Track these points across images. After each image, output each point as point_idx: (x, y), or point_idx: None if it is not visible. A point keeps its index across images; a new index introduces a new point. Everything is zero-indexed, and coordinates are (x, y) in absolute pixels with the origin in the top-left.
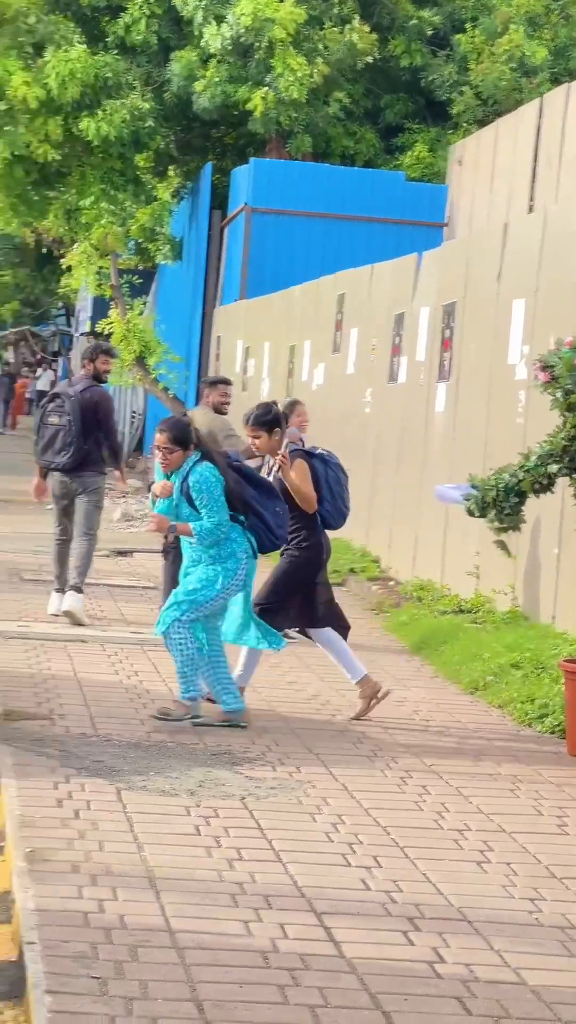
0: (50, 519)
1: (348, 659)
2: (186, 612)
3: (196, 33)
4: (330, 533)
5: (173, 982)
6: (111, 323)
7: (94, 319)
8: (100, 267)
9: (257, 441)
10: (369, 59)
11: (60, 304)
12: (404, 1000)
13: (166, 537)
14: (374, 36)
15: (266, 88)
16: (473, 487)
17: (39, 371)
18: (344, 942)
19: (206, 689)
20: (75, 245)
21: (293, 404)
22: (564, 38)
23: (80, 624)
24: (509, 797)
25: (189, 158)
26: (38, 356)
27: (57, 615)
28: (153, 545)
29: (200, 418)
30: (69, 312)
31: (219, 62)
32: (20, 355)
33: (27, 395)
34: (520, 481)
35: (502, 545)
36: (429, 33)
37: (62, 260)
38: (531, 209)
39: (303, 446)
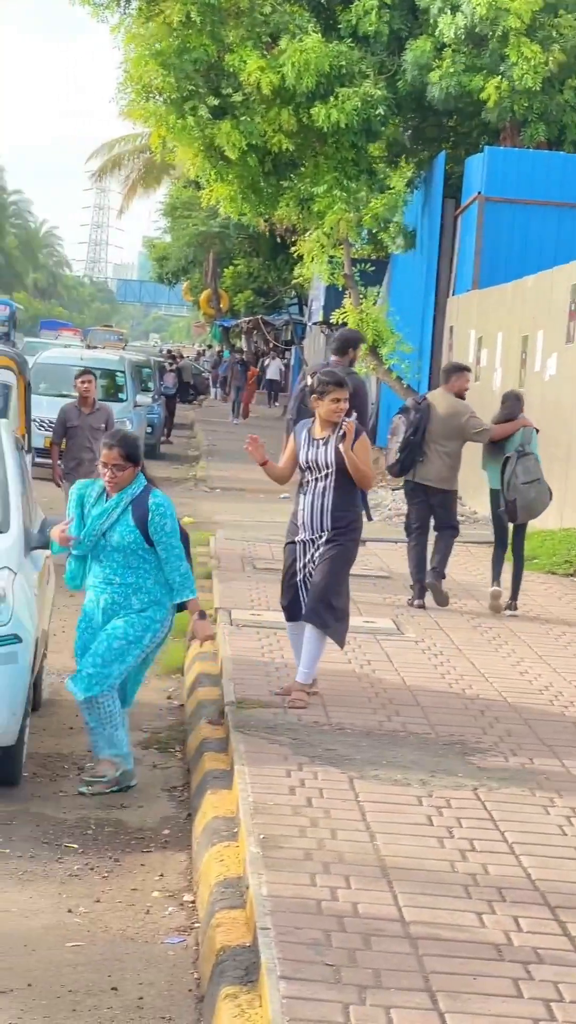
0: (285, 508)
1: (316, 662)
2: (116, 679)
3: (431, 22)
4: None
5: (406, 972)
6: (345, 312)
7: (327, 308)
8: (332, 256)
9: (345, 404)
10: None
11: (293, 293)
12: None
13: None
14: None
15: (500, 77)
16: None
17: (267, 360)
18: None
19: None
20: (307, 234)
21: (453, 370)
22: None
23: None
24: None
25: (422, 147)
26: (271, 345)
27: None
28: (386, 535)
29: (442, 401)
30: (302, 301)
31: (453, 51)
32: (253, 343)
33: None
34: None
35: None
36: None
37: (294, 249)
38: None
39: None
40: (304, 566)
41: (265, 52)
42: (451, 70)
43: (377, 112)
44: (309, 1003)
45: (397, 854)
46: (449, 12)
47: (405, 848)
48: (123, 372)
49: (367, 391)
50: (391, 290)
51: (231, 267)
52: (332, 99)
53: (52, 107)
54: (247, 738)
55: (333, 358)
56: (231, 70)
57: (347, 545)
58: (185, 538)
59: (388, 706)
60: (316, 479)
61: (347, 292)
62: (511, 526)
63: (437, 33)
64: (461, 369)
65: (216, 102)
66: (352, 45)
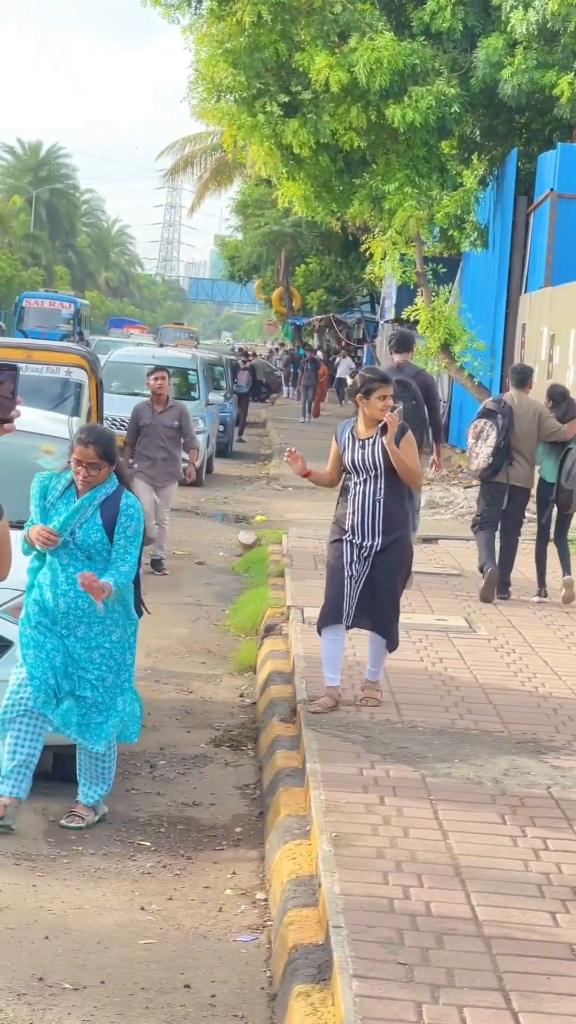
0: None
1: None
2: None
3: (503, 19)
4: None
5: (479, 971)
6: (416, 310)
7: (399, 306)
8: (403, 254)
9: (391, 401)
10: None
11: (365, 291)
12: None
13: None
14: None
15: (573, 73)
16: None
17: (337, 358)
18: None
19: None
20: (378, 231)
21: (529, 372)
22: None
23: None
24: None
25: (494, 144)
26: (343, 344)
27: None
28: (458, 532)
29: (521, 403)
30: (374, 299)
31: (525, 48)
32: (325, 341)
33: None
34: None
35: None
36: None
37: (365, 247)
38: None
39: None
40: (351, 565)
41: (335, 50)
42: (523, 67)
43: (452, 110)
44: (382, 1002)
45: (470, 853)
46: (521, 8)
47: (478, 847)
48: (195, 370)
49: (436, 389)
50: (463, 288)
51: (303, 265)
52: (406, 98)
53: (125, 108)
54: (319, 736)
55: (398, 356)
56: (300, 68)
57: (404, 550)
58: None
59: (460, 704)
60: (364, 480)
61: (419, 290)
62: (555, 515)
63: (509, 29)
64: (532, 371)
65: (286, 99)
66: (425, 43)
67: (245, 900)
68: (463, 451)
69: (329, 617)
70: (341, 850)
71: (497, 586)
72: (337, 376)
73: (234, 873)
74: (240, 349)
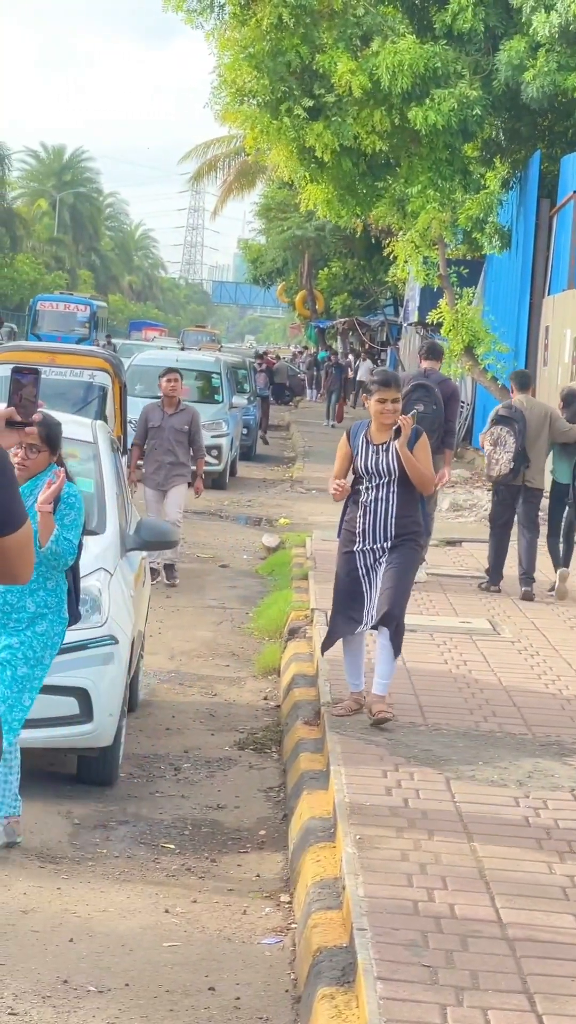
0: None
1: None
2: (28, 711)
3: (525, 21)
4: None
5: (504, 974)
6: (440, 313)
7: (422, 309)
8: (427, 257)
9: (397, 404)
10: None
11: (388, 294)
12: None
13: None
14: None
15: None
16: None
17: (356, 361)
18: None
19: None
20: (400, 233)
21: (531, 376)
22: None
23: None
24: None
25: (517, 147)
26: (366, 347)
27: None
28: (482, 535)
29: (531, 406)
30: (397, 302)
31: (547, 51)
32: (348, 344)
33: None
34: None
35: None
36: None
37: (388, 250)
38: None
39: None
40: (367, 577)
41: (357, 54)
42: (545, 69)
43: (474, 113)
44: (406, 1004)
45: (494, 855)
46: (543, 10)
47: (502, 849)
48: (219, 374)
49: (458, 397)
50: (486, 290)
51: (326, 268)
52: (428, 100)
53: (149, 111)
54: (343, 739)
55: (426, 363)
56: (322, 71)
57: (414, 550)
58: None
59: (484, 707)
60: (376, 486)
61: (443, 292)
62: (567, 514)
63: (531, 32)
64: (531, 375)
65: (310, 103)
66: (447, 46)
67: (269, 903)
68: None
69: (337, 632)
70: (365, 853)
71: (526, 584)
72: (356, 379)
73: (258, 876)
74: (256, 352)
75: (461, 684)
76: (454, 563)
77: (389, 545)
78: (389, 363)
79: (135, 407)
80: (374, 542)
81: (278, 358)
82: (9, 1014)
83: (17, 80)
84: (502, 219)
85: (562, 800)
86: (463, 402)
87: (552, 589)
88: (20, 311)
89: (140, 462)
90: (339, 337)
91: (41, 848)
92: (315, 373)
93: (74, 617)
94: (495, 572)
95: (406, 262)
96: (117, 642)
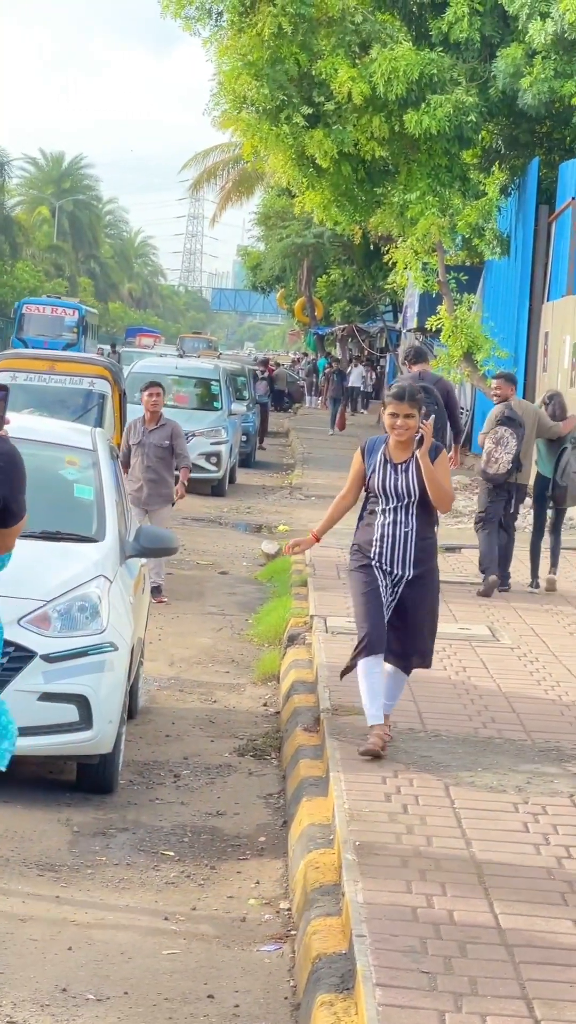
0: None
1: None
2: None
3: (521, 29)
4: None
5: (502, 979)
6: (439, 319)
7: (421, 316)
8: (426, 263)
9: (411, 420)
10: None
11: (387, 300)
12: None
13: None
14: None
15: None
16: None
17: (350, 367)
18: None
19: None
20: (399, 240)
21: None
22: None
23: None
24: None
25: (515, 154)
26: (366, 353)
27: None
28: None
29: (520, 407)
30: (396, 309)
31: (544, 58)
32: (348, 351)
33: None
34: None
35: None
36: None
37: (387, 256)
38: None
39: None
40: (385, 592)
41: (356, 61)
42: (542, 76)
43: (469, 119)
44: (405, 1010)
45: (493, 861)
46: (539, 18)
47: (501, 855)
48: (218, 381)
49: (455, 395)
50: (485, 296)
51: (325, 275)
52: (424, 106)
53: (149, 118)
54: (343, 745)
55: (415, 367)
56: (322, 78)
57: (436, 581)
58: None
59: (483, 713)
60: (394, 508)
61: (442, 298)
62: (551, 511)
63: (527, 39)
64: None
65: (310, 111)
66: (443, 53)
67: (269, 910)
68: None
69: (371, 646)
70: (364, 859)
71: (499, 578)
72: (349, 385)
73: (258, 883)
74: (257, 359)
75: (460, 690)
76: (453, 569)
77: (410, 575)
78: (388, 369)
79: (134, 414)
80: (392, 567)
81: (278, 365)
82: (8, 1022)
83: (17, 86)
84: (501, 225)
85: (561, 806)
86: (463, 408)
87: (533, 585)
88: None
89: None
90: (338, 344)
91: (40, 856)
92: (314, 380)
93: None
94: (492, 565)
95: (405, 268)
96: (117, 649)
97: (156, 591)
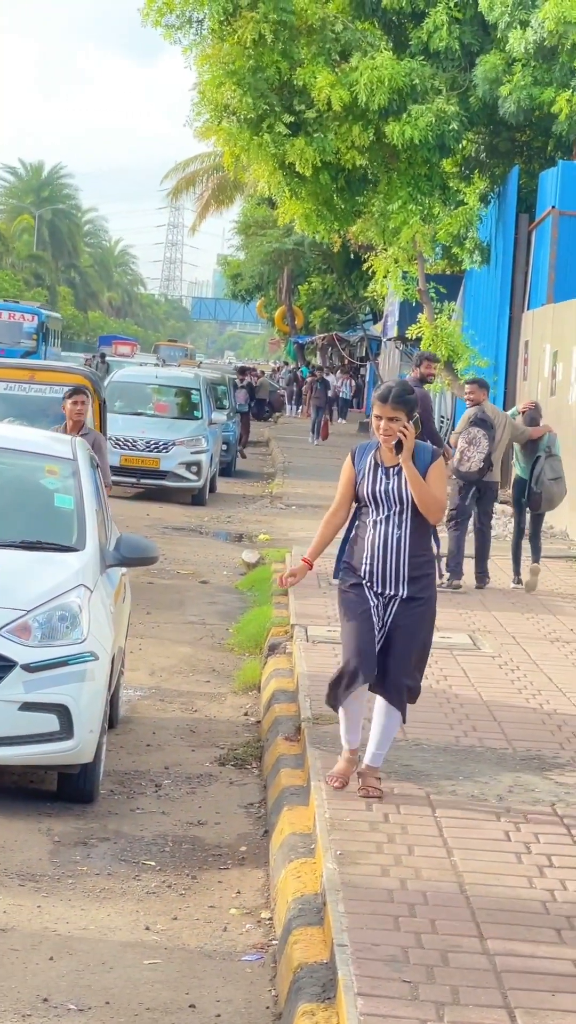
0: None
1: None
2: None
3: (500, 37)
4: None
5: (484, 988)
6: (420, 328)
7: (401, 324)
8: (406, 272)
9: (395, 424)
10: None
11: (368, 309)
12: None
13: None
14: None
15: (571, 91)
16: None
17: (329, 376)
18: None
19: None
20: (379, 249)
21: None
22: None
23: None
24: None
25: (495, 162)
26: (346, 362)
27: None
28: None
29: (492, 412)
30: (376, 317)
31: (523, 66)
32: (328, 360)
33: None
34: None
35: None
36: None
37: (367, 265)
38: None
39: None
40: (376, 610)
41: (335, 69)
42: (522, 83)
43: (450, 128)
44: (387, 1020)
45: (475, 870)
46: (518, 27)
47: (483, 864)
48: (198, 390)
49: (430, 402)
50: (466, 305)
51: (305, 284)
52: (405, 116)
53: (129, 126)
54: (324, 754)
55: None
56: (302, 85)
57: (432, 603)
58: None
59: (465, 721)
60: (385, 518)
61: (422, 307)
62: (528, 515)
63: (507, 48)
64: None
65: (291, 119)
66: (424, 62)
67: (250, 919)
68: None
69: (358, 676)
70: (346, 868)
71: (476, 576)
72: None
73: (239, 892)
74: (236, 368)
75: (442, 699)
76: None
77: (404, 594)
78: (369, 378)
79: (115, 423)
80: (383, 587)
81: (262, 373)
82: None
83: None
84: (481, 234)
85: (542, 814)
86: (443, 416)
87: (516, 581)
88: None
89: None
90: (318, 352)
91: (21, 866)
92: (295, 389)
93: None
94: (458, 570)
95: (385, 277)
96: (97, 658)
97: None
